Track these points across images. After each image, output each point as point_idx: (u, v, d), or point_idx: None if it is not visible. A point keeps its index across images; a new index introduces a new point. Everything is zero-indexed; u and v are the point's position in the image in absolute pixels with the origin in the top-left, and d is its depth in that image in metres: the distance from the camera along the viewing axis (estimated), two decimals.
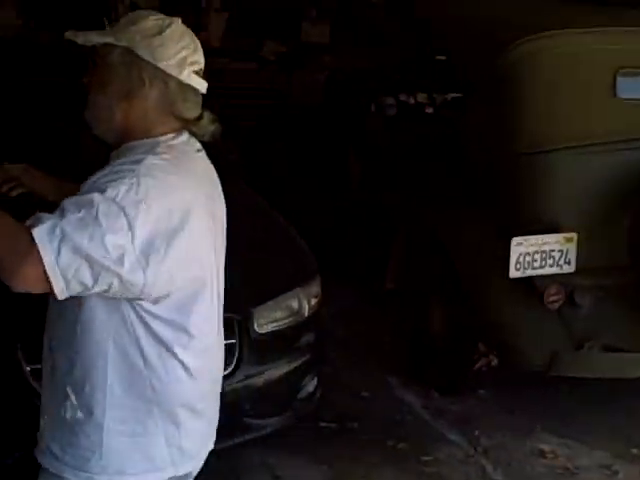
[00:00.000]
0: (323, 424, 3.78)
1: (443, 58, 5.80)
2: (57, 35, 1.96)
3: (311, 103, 7.08)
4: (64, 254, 1.48)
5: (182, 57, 1.69)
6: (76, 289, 1.53)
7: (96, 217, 1.51)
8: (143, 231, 1.54)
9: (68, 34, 1.71)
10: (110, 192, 1.54)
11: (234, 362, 2.96)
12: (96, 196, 1.53)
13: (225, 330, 2.94)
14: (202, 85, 1.74)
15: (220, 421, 2.96)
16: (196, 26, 6.52)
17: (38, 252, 1.48)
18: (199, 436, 1.88)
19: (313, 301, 3.32)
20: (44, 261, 1.48)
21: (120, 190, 1.55)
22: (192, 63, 1.70)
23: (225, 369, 2.90)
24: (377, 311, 4.94)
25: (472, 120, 4.23)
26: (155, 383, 1.70)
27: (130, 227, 1.53)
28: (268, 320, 3.12)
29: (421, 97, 5.54)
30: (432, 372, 4.29)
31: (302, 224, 3.82)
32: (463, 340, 4.08)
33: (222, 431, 3.02)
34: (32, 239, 1.48)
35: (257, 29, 6.82)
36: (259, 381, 3.05)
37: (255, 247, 3.38)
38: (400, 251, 4.62)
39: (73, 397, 1.70)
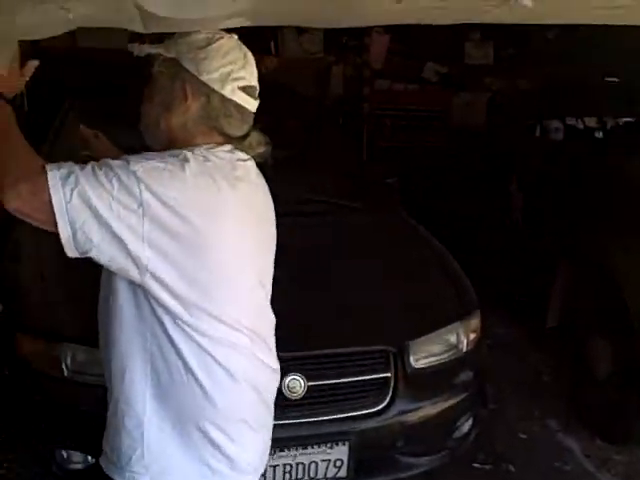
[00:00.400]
0: (477, 465, 3.60)
1: (615, 80, 5.50)
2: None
3: (472, 125, 6.95)
4: (75, 201, 1.49)
5: (226, 72, 1.66)
6: (82, 242, 1.52)
7: (111, 180, 1.51)
8: (155, 211, 1.53)
9: (129, 46, 1.73)
10: (134, 165, 1.54)
11: (388, 397, 2.86)
12: (121, 163, 1.54)
13: (380, 363, 2.92)
14: (249, 103, 1.71)
15: (372, 457, 2.93)
16: (358, 48, 6.58)
17: (45, 185, 1.49)
18: (251, 448, 1.77)
19: (472, 336, 3.18)
20: (53, 200, 1.48)
21: (145, 167, 1.55)
22: (237, 79, 1.68)
23: (378, 404, 2.87)
24: (537, 349, 4.70)
25: None
26: (195, 387, 1.65)
27: (141, 204, 1.52)
28: (425, 354, 3.01)
29: (590, 121, 5.27)
30: (596, 417, 4.00)
31: (460, 253, 3.68)
32: (632, 384, 3.78)
33: (374, 467, 2.99)
34: (44, 173, 1.50)
35: (419, 51, 6.76)
36: (413, 418, 2.93)
37: (413, 277, 3.29)
38: (564, 285, 4.35)
39: (115, 391, 1.69)
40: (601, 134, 5.19)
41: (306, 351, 2.76)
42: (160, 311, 1.60)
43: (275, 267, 1.86)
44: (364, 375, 2.85)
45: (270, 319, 1.84)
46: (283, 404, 2.65)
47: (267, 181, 1.84)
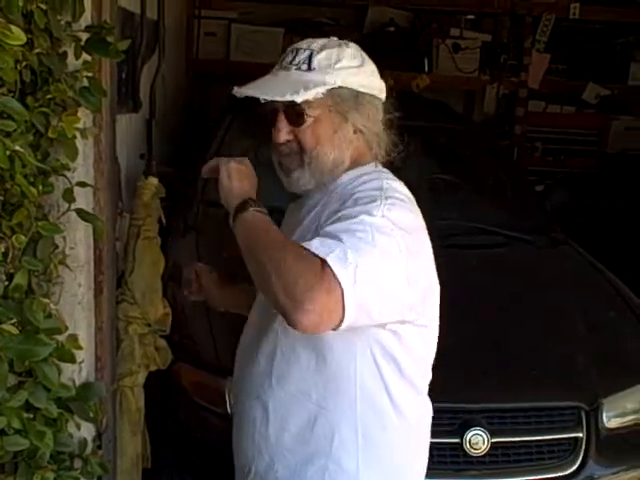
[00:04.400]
0: None
1: None
2: None
3: (633, 150, 6.48)
4: (360, 282, 1.34)
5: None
6: (360, 321, 1.38)
7: (373, 240, 1.39)
8: (406, 247, 1.43)
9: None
10: (376, 212, 1.45)
11: (579, 460, 2.54)
12: (365, 217, 1.43)
13: (571, 421, 2.60)
14: None
15: None
16: (516, 67, 6.25)
17: (333, 279, 1.33)
18: None
19: None
20: (344, 289, 1.33)
21: (382, 210, 1.45)
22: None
23: (568, 467, 2.55)
24: None
25: None
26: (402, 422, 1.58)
27: (399, 247, 1.42)
28: (619, 413, 2.66)
29: None
30: None
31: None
32: None
33: None
34: (324, 265, 1.34)
35: (581, 71, 6.37)
36: None
37: (602, 324, 2.95)
38: None
39: (324, 453, 1.55)
40: None
41: (492, 403, 2.48)
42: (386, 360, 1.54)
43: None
44: (553, 434, 2.55)
45: None
46: (463, 460, 2.40)
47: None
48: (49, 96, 1.58)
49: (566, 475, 2.53)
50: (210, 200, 3.56)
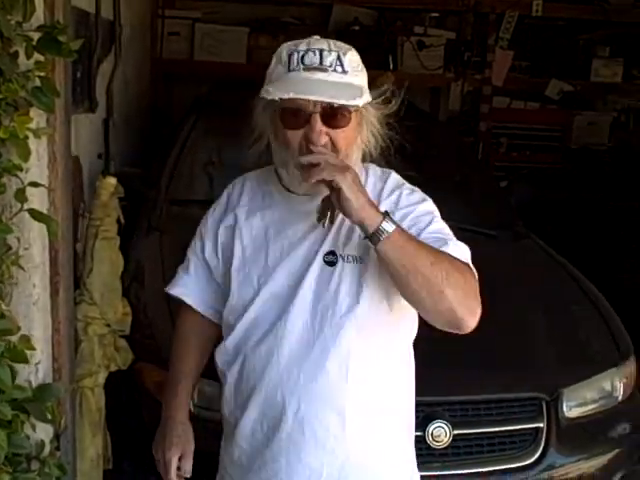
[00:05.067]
0: None
1: None
2: None
3: (595, 146, 6.57)
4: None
5: None
6: None
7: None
8: None
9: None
10: (437, 212, 1.68)
11: (540, 449, 2.57)
12: (433, 210, 1.67)
13: (531, 412, 2.63)
14: None
15: None
16: (480, 65, 6.30)
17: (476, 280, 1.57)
18: None
19: (627, 384, 2.85)
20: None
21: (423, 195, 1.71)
22: None
23: (529, 457, 2.58)
24: None
25: None
26: None
27: None
28: (578, 403, 2.70)
29: None
30: None
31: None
32: None
33: None
34: (470, 268, 1.58)
35: (544, 67, 6.44)
36: (565, 474, 2.63)
37: (563, 316, 2.99)
38: None
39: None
40: None
41: (453, 396, 2.51)
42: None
43: None
44: (514, 425, 2.58)
45: None
46: (426, 453, 2.42)
47: None
48: (0, 96, 1.57)
49: (527, 465, 2.56)
50: (174, 199, 3.56)
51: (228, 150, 3.85)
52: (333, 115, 1.56)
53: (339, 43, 1.61)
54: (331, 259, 1.65)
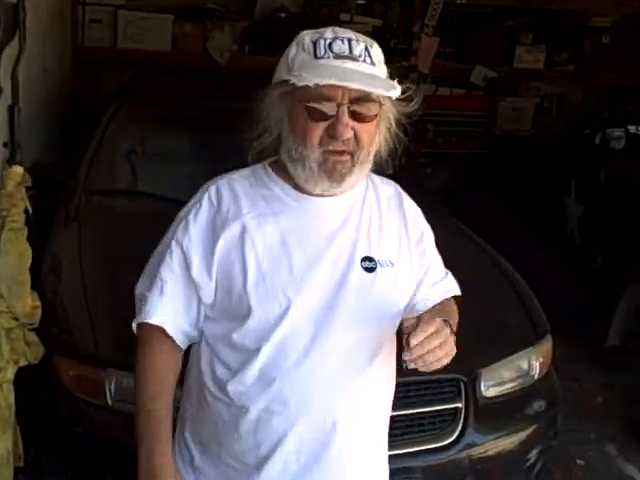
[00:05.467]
0: None
1: None
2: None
3: (519, 131, 6.69)
4: None
5: None
6: None
7: None
8: None
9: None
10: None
11: (459, 429, 2.62)
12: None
13: (450, 392, 2.68)
14: None
15: None
16: (407, 51, 6.35)
17: None
18: None
19: (544, 362, 2.92)
20: None
21: None
22: None
23: (448, 437, 2.63)
24: (588, 369, 4.42)
25: None
26: None
27: None
28: (496, 382, 2.76)
29: None
30: None
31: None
32: None
33: None
34: None
35: (469, 54, 6.53)
36: (484, 452, 2.68)
37: (481, 297, 3.03)
38: (629, 304, 4.08)
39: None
40: None
41: None
42: None
43: None
44: (433, 406, 2.61)
45: None
46: None
47: None
48: None
49: (446, 444, 2.60)
50: (94, 189, 3.49)
51: (152, 139, 3.80)
52: (361, 108, 1.47)
53: (362, 35, 1.52)
54: (369, 265, 1.56)
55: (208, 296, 1.56)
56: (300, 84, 1.44)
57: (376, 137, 1.54)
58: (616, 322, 4.13)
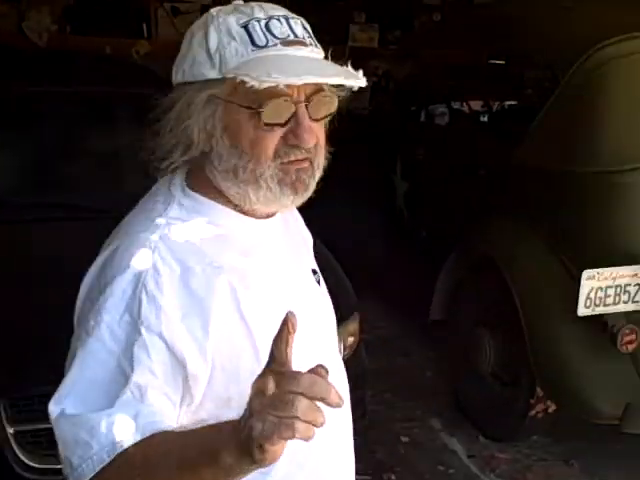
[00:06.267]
0: (356, 477, 3.34)
1: (501, 62, 5.36)
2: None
3: (356, 110, 6.72)
4: None
5: None
6: None
7: None
8: None
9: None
10: None
11: None
12: None
13: None
14: None
15: None
16: None
17: None
18: None
19: (350, 341, 2.91)
20: None
21: None
22: None
23: None
24: (419, 344, 4.52)
25: (536, 132, 3.74)
26: None
27: None
28: None
29: (476, 105, 5.12)
30: (480, 416, 3.84)
31: (339, 246, 3.39)
32: (518, 382, 3.63)
33: None
34: None
35: None
36: None
37: None
38: (449, 277, 4.16)
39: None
40: (487, 118, 5.03)
41: None
42: None
43: None
44: None
45: None
46: None
47: None
48: None
49: None
50: None
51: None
52: (318, 105, 1.17)
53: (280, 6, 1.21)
54: (317, 278, 1.35)
55: (202, 377, 1.16)
56: (263, 86, 1.09)
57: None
58: (437, 296, 4.20)
